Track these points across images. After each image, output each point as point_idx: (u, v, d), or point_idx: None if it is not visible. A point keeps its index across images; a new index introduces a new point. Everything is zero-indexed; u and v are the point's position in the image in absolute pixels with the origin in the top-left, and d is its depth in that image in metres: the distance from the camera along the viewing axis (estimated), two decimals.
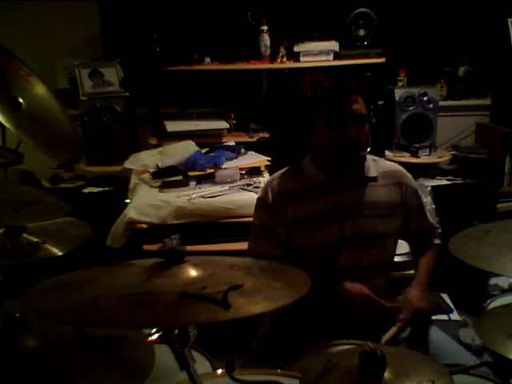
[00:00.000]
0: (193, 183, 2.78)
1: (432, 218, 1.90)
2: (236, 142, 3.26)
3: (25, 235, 1.54)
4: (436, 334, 1.72)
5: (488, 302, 1.97)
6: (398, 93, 3.42)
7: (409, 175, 1.83)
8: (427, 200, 3.02)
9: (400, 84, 3.66)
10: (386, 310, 1.65)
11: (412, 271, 1.88)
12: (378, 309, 1.66)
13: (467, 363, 1.56)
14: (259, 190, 1.91)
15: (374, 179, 1.75)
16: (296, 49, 3.44)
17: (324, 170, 1.72)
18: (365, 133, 1.66)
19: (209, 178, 2.82)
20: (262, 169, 2.97)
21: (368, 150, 1.71)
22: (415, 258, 1.88)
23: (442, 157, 3.46)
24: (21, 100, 2.15)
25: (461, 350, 1.72)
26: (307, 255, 1.71)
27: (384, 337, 1.56)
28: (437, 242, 1.87)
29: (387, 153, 3.41)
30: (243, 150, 3.12)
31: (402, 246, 2.20)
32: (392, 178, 1.78)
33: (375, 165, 1.77)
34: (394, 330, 1.59)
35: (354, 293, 1.64)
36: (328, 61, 3.43)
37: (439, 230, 1.90)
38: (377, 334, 1.62)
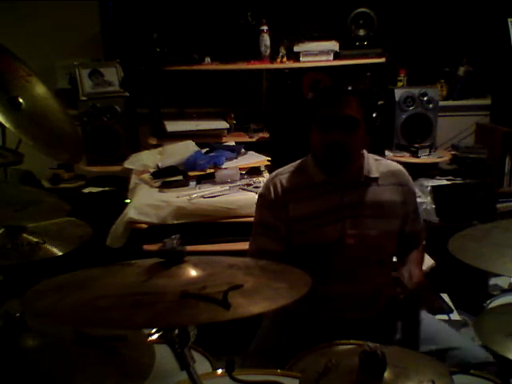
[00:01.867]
0: (193, 183, 2.78)
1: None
2: (236, 142, 3.26)
3: (25, 235, 1.54)
4: (425, 316, 1.75)
5: (488, 301, 1.97)
6: (398, 93, 3.42)
7: (409, 176, 1.84)
8: (427, 200, 3.03)
9: (400, 84, 3.66)
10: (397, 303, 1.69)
11: None
12: (388, 302, 1.72)
13: (459, 345, 1.60)
14: (260, 188, 1.92)
15: (376, 179, 1.75)
16: (296, 49, 3.44)
17: (324, 169, 1.73)
18: (355, 137, 1.65)
19: (209, 178, 2.82)
20: (262, 169, 2.97)
21: (363, 151, 1.71)
22: (400, 257, 1.89)
23: (441, 157, 3.46)
24: (21, 100, 2.15)
25: (451, 331, 1.75)
26: (307, 252, 1.72)
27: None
28: (423, 243, 1.91)
29: (387, 153, 3.41)
30: (243, 150, 3.11)
31: None
32: (394, 179, 1.78)
33: (377, 165, 1.78)
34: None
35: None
36: (328, 61, 3.43)
37: (425, 232, 1.93)
38: (378, 332, 1.62)
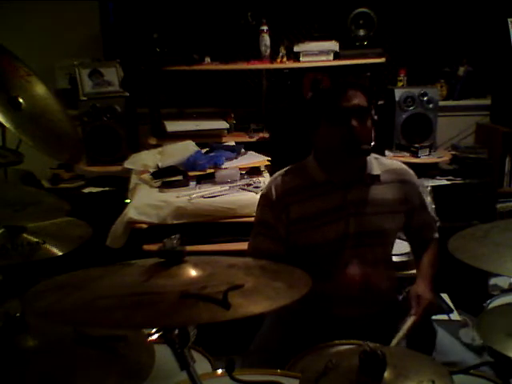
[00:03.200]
0: (193, 183, 2.78)
1: (432, 212, 1.93)
2: (236, 142, 3.26)
3: (25, 235, 1.53)
4: (439, 333, 1.74)
5: (488, 301, 1.97)
6: (398, 93, 3.42)
7: (411, 172, 1.86)
8: (427, 200, 3.02)
9: (400, 84, 3.66)
10: (397, 302, 1.73)
11: (413, 271, 1.89)
12: (389, 301, 1.74)
13: (468, 361, 1.58)
14: (262, 188, 1.92)
15: (378, 177, 1.77)
16: (296, 49, 3.44)
17: (327, 168, 1.73)
18: (367, 127, 1.67)
19: (209, 178, 2.82)
20: (262, 169, 2.97)
21: (372, 144, 1.71)
22: (416, 254, 1.90)
23: (441, 157, 3.45)
24: (21, 100, 2.15)
25: (462, 348, 1.74)
26: (311, 252, 1.72)
27: (399, 334, 1.57)
28: (436, 235, 1.89)
29: (387, 153, 3.41)
30: (243, 150, 3.12)
31: (402, 246, 2.20)
32: (395, 176, 1.80)
33: (378, 163, 1.79)
34: (408, 324, 1.60)
35: (355, 278, 1.65)
36: (328, 61, 3.43)
37: (438, 223, 1.93)
38: (379, 330, 1.63)
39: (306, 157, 1.81)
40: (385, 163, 1.82)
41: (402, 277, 1.94)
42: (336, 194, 1.72)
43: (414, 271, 1.89)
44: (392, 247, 1.84)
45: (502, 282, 2.86)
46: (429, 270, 1.80)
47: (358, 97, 1.65)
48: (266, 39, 3.41)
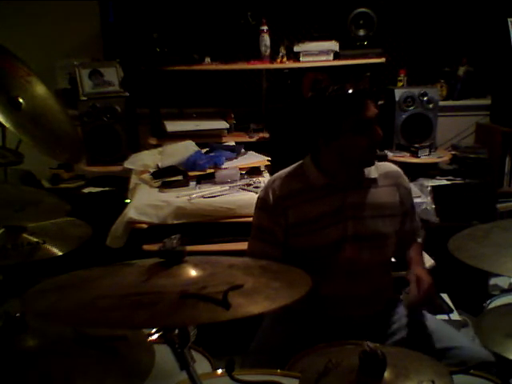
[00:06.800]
0: (193, 183, 2.78)
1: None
2: (236, 142, 3.26)
3: (25, 235, 1.54)
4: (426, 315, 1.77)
5: (488, 301, 1.97)
6: (398, 93, 3.42)
7: (404, 176, 1.86)
8: (427, 200, 3.02)
9: (400, 84, 3.66)
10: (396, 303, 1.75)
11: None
12: (388, 302, 1.77)
13: (465, 345, 1.61)
14: (260, 190, 1.92)
15: (375, 181, 1.77)
16: (296, 49, 3.44)
17: (329, 173, 1.73)
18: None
19: (209, 178, 2.82)
20: (262, 169, 2.97)
21: None
22: (398, 256, 1.90)
23: (441, 157, 3.45)
24: (21, 100, 2.15)
25: (452, 330, 1.76)
26: (309, 255, 1.72)
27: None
28: (420, 240, 1.91)
29: (387, 153, 3.41)
30: (243, 150, 3.12)
31: None
32: (391, 180, 1.80)
33: (375, 166, 1.78)
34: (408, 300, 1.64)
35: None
36: (328, 61, 3.43)
37: (422, 230, 1.94)
38: (378, 330, 1.63)
39: (303, 158, 1.81)
40: (381, 166, 1.82)
41: (402, 277, 1.94)
42: (335, 198, 1.72)
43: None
44: (392, 249, 1.82)
45: (502, 282, 2.86)
46: (420, 258, 1.83)
47: (373, 104, 1.67)
48: (266, 39, 3.41)
